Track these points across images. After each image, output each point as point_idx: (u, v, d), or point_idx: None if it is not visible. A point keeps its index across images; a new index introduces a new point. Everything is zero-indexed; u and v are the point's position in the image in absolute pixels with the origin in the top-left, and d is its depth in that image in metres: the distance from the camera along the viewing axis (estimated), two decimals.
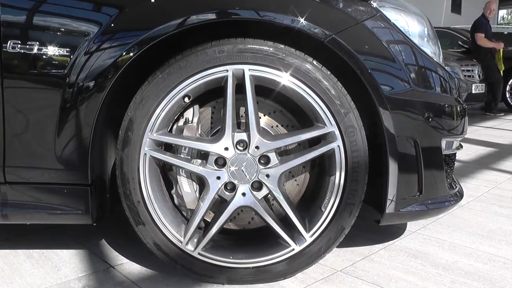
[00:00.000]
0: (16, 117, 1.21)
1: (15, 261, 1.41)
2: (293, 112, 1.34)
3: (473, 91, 5.36)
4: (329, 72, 1.22)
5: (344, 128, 1.21)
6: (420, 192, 1.31)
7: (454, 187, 1.46)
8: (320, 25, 1.20)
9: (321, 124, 1.21)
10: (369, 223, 1.67)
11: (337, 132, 1.21)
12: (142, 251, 1.42)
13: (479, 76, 5.51)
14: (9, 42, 1.18)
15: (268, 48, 1.20)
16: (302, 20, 1.18)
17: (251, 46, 1.20)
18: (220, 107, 1.33)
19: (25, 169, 1.25)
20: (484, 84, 5.56)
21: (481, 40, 5.67)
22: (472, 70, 5.46)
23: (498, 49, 5.73)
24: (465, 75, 5.36)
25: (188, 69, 1.19)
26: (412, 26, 1.36)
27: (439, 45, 1.46)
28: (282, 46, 1.21)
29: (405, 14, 1.37)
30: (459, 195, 1.45)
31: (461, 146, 1.46)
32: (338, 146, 1.21)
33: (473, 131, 4.37)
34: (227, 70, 1.19)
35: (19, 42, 1.18)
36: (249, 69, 1.19)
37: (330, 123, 1.21)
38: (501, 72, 5.78)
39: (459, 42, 6.31)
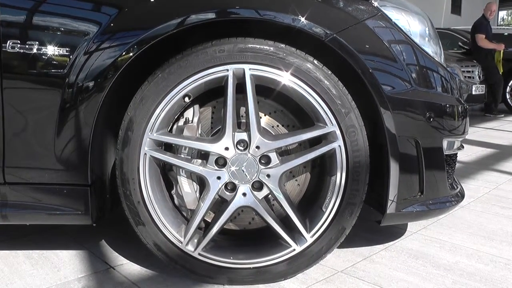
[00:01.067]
0: (16, 117, 1.21)
1: (15, 262, 1.40)
2: (293, 112, 1.33)
3: (473, 92, 5.35)
4: (330, 72, 1.21)
5: (345, 128, 1.20)
6: (421, 192, 1.31)
7: (455, 187, 1.46)
8: (321, 25, 1.19)
9: (322, 124, 1.21)
10: (370, 223, 1.66)
11: (338, 132, 1.20)
12: (142, 252, 1.42)
13: (479, 77, 5.51)
14: (8, 42, 1.18)
15: (268, 48, 1.19)
16: (302, 19, 1.18)
17: (252, 45, 1.19)
18: (220, 107, 1.32)
19: (25, 169, 1.24)
20: (484, 85, 5.55)
21: (482, 41, 5.67)
22: (473, 71, 5.46)
23: (498, 50, 5.73)
24: (465, 76, 5.35)
25: (188, 69, 1.18)
26: (413, 26, 1.36)
27: (440, 44, 1.45)
28: (283, 45, 1.21)
29: (406, 13, 1.36)
30: (460, 196, 1.45)
31: (462, 147, 1.45)
32: (339, 146, 1.21)
33: (473, 132, 4.37)
34: (227, 70, 1.19)
35: (19, 42, 1.18)
36: (250, 69, 1.19)
37: (331, 122, 1.20)
38: (501, 73, 5.77)
39: (459, 43, 6.31)
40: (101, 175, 1.33)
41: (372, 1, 1.30)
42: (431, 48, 1.37)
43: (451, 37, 6.86)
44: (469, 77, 5.42)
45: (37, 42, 1.18)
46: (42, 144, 1.22)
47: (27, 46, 1.18)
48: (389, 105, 1.22)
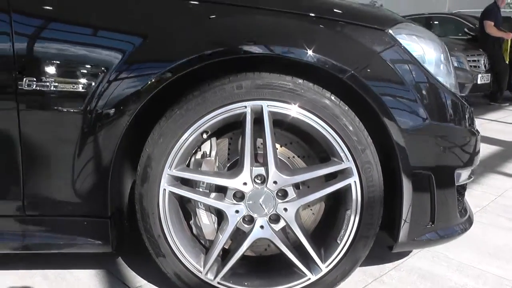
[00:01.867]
0: (34, 152, 1.22)
1: (31, 282, 1.44)
2: (309, 143, 1.35)
3: (479, 82, 5.33)
4: (346, 108, 1.22)
5: (361, 164, 1.22)
6: (432, 222, 1.34)
7: (465, 213, 1.48)
8: (338, 61, 1.19)
9: (338, 160, 1.23)
10: (378, 239, 1.69)
11: (354, 168, 1.22)
12: (160, 273, 1.45)
13: (485, 66, 5.48)
14: (24, 79, 1.17)
15: (286, 83, 1.20)
16: (319, 56, 1.18)
17: (269, 81, 1.20)
18: (236, 138, 1.34)
19: (45, 202, 1.26)
20: (489, 74, 5.52)
21: (490, 28, 5.59)
22: (478, 60, 5.42)
23: (506, 39, 5.66)
24: (470, 66, 5.32)
25: (206, 106, 1.19)
26: (428, 53, 1.35)
27: (454, 70, 1.44)
28: (300, 81, 1.21)
29: (421, 40, 1.36)
30: (469, 222, 1.48)
31: (473, 175, 1.47)
32: (355, 181, 1.23)
33: (478, 125, 4.34)
34: (245, 107, 1.20)
35: (35, 79, 1.17)
36: (268, 105, 1.20)
37: (347, 159, 1.22)
38: (507, 62, 5.73)
39: (465, 29, 6.22)
40: (119, 204, 1.35)
41: (388, 30, 1.29)
42: (445, 77, 1.36)
43: (456, 22, 6.75)
44: (475, 66, 5.38)
45: (54, 78, 1.18)
46: (62, 178, 1.24)
47: (43, 83, 1.17)
48: (404, 140, 1.23)
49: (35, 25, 1.21)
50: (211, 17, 1.21)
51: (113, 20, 1.23)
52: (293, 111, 1.20)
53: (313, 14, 1.26)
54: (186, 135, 1.20)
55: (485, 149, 3.41)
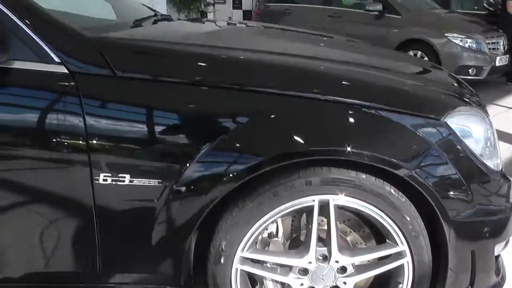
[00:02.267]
0: (111, 232, 1.34)
1: None
2: (364, 220, 1.48)
3: (497, 64, 5.31)
4: (404, 199, 1.35)
5: (414, 248, 1.36)
6: (471, 285, 1.50)
7: (499, 271, 1.64)
8: (397, 159, 1.29)
9: (393, 243, 1.37)
10: None
11: (407, 251, 1.37)
12: None
13: (504, 47, 5.44)
14: (100, 175, 1.26)
15: (351, 179, 1.31)
16: (378, 155, 1.28)
17: (336, 176, 1.31)
18: (299, 216, 1.47)
19: (119, 272, 1.40)
20: (508, 55, 5.49)
21: None
22: (497, 42, 5.38)
23: None
24: (489, 48, 5.28)
25: (277, 200, 1.31)
26: (476, 132, 1.45)
27: (498, 146, 1.53)
28: (364, 176, 1.32)
29: (471, 120, 1.44)
30: (503, 279, 1.64)
31: (509, 241, 1.61)
32: (407, 262, 1.38)
33: (493, 115, 4.39)
34: (313, 200, 1.32)
35: (110, 175, 1.26)
36: (333, 199, 1.32)
37: (402, 243, 1.36)
38: None
39: (485, 4, 6.08)
40: (188, 267, 1.51)
41: (443, 119, 1.37)
42: (492, 158, 1.46)
43: None
44: (494, 48, 5.34)
45: (130, 172, 1.26)
46: (137, 253, 1.37)
47: (119, 179, 1.26)
48: (454, 227, 1.36)
49: (109, 120, 1.27)
50: (286, 114, 1.30)
51: (192, 115, 1.31)
52: (357, 203, 1.32)
53: (373, 106, 1.34)
54: (257, 224, 1.33)
55: (504, 149, 3.39)
